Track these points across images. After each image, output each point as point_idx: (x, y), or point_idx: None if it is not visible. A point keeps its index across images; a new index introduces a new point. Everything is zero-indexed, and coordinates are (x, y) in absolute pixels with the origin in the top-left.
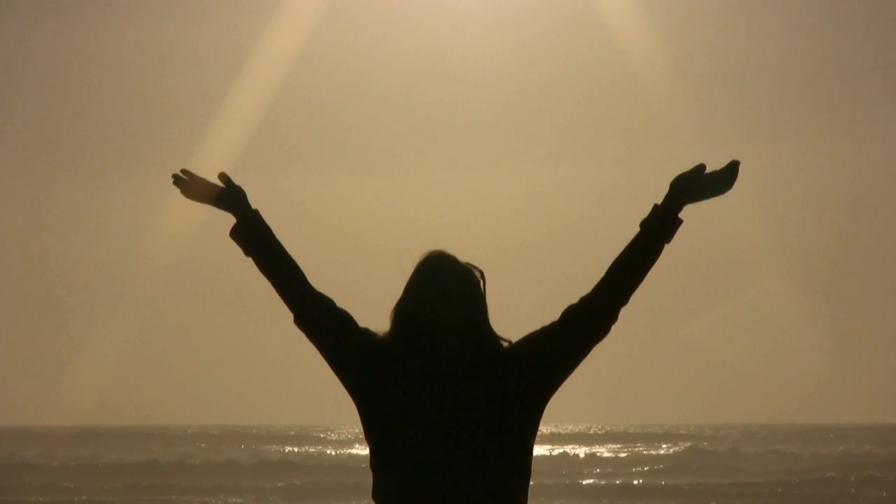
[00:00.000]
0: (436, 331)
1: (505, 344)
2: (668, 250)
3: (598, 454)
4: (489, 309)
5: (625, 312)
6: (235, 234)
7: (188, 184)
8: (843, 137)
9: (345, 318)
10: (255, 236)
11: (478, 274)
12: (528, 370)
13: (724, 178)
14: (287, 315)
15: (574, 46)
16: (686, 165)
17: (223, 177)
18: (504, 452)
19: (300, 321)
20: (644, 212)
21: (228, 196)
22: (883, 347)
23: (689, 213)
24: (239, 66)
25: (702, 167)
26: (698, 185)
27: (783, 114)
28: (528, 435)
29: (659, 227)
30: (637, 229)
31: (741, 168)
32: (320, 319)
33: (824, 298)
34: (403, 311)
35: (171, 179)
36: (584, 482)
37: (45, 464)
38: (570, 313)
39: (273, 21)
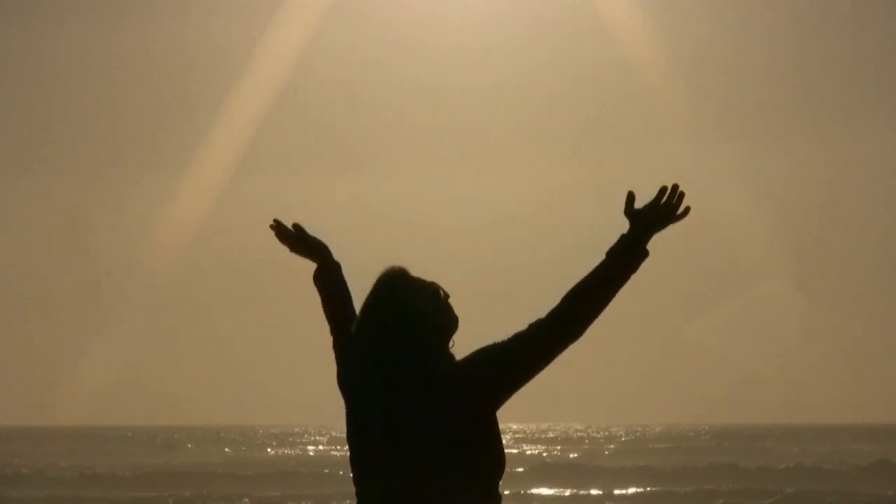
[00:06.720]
0: (369, 346)
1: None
2: (673, 253)
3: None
4: (472, 313)
5: (629, 313)
6: (317, 276)
7: (287, 238)
8: (849, 139)
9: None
10: (331, 281)
11: (427, 294)
12: (468, 385)
13: (668, 205)
14: (289, 316)
15: (576, 49)
16: (686, 166)
17: (298, 227)
18: (438, 456)
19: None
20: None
21: (320, 248)
22: (886, 347)
23: (693, 214)
24: (236, 69)
25: (631, 196)
26: (662, 214)
27: (792, 116)
28: (470, 438)
29: (631, 260)
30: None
31: (745, 170)
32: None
33: (827, 299)
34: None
35: (275, 226)
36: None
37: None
38: (522, 341)
39: (271, 25)
